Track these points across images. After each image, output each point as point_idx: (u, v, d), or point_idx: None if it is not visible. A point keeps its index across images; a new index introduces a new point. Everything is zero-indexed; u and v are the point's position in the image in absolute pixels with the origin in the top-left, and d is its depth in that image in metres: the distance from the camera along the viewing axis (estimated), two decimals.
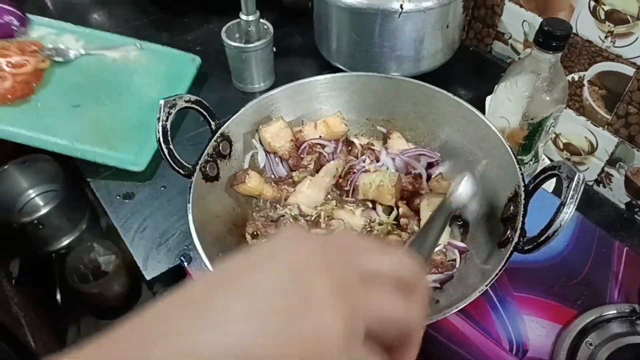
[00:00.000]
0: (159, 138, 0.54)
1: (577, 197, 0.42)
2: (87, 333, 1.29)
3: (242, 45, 0.87)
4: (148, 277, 0.66)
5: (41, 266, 1.31)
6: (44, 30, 0.94)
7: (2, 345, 0.88)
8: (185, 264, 0.66)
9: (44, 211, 1.23)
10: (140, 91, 0.88)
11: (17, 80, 0.84)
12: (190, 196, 0.53)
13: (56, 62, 0.89)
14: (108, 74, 0.90)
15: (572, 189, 0.42)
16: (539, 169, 0.49)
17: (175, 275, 0.69)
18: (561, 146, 0.89)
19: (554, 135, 0.88)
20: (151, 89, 0.88)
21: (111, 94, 0.86)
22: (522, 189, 0.49)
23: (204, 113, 0.59)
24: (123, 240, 0.71)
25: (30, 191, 1.38)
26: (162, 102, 0.55)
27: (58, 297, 1.31)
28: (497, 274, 0.44)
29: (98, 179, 0.79)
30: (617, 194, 0.83)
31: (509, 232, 0.48)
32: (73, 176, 1.34)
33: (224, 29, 0.88)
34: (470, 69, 0.98)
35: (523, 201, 0.48)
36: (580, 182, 0.42)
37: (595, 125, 0.81)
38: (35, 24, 0.95)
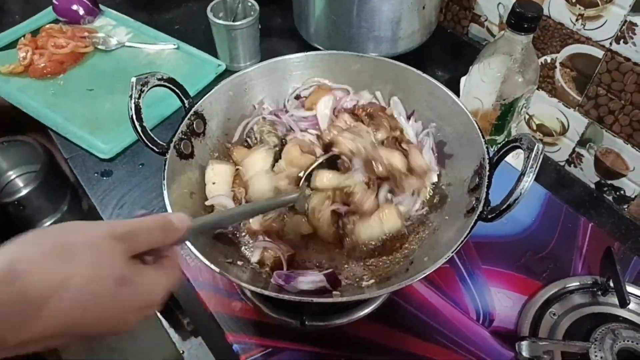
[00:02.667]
0: (131, 116, 0.54)
1: (536, 167, 0.43)
2: None
3: (230, 23, 0.86)
4: None
5: None
6: (106, 21, 1.03)
7: None
8: None
9: (24, 192, 1.23)
10: None
11: (52, 59, 0.91)
12: (165, 173, 0.53)
13: (98, 49, 0.97)
14: (135, 66, 0.94)
15: (532, 158, 0.44)
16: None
17: None
18: (534, 127, 0.90)
19: (527, 117, 0.90)
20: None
21: (125, 85, 0.88)
22: (487, 161, 0.50)
23: (177, 91, 0.58)
24: (102, 218, 0.72)
25: (10, 172, 1.37)
26: (134, 79, 0.55)
27: None
28: (462, 241, 0.45)
29: (76, 156, 0.79)
30: (588, 174, 0.85)
31: (474, 202, 0.49)
32: (53, 158, 1.33)
33: (209, 7, 0.87)
34: (448, 50, 0.99)
35: (488, 172, 0.49)
36: (539, 152, 0.44)
37: (566, 107, 0.83)
38: (105, 15, 1.04)
